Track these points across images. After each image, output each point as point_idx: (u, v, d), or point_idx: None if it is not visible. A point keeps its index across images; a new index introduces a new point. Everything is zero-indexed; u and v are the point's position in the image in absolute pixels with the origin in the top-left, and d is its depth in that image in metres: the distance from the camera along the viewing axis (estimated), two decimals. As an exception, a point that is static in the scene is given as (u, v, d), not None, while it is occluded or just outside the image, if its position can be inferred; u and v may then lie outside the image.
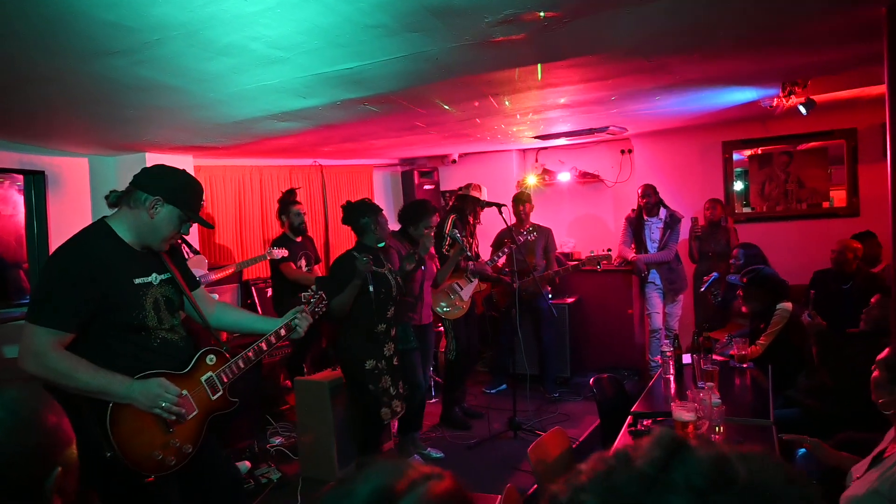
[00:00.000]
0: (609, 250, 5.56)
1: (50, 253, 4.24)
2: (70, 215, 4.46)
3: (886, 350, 2.09)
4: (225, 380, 2.20)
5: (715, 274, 4.61)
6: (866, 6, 2.49)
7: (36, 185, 4.29)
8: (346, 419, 3.92)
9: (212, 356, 2.20)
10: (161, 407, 1.97)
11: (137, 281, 2.05)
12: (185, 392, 2.07)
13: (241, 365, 2.25)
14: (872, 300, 3.27)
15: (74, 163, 4.55)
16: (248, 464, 3.97)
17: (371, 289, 3.41)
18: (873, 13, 2.52)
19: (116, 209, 2.11)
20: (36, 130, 3.86)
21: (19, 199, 4.26)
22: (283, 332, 2.36)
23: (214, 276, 4.47)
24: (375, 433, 3.65)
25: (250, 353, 2.27)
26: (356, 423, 3.74)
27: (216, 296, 4.01)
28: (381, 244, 3.77)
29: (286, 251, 4.72)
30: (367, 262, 3.40)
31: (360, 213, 3.65)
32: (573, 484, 0.53)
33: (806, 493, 0.50)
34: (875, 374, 2.10)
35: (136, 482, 1.97)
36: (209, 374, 2.16)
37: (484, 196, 4.92)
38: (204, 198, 2.28)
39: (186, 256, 3.96)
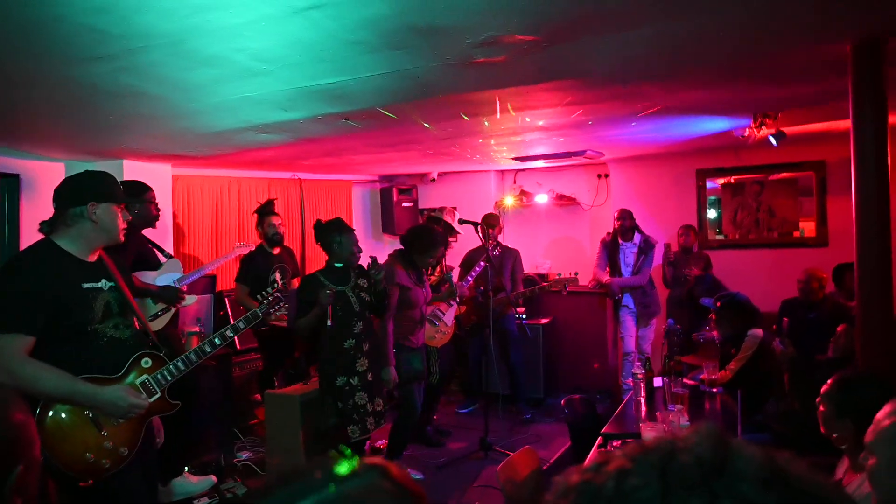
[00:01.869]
0: (576, 273, 5.62)
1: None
2: (43, 218, 4.39)
3: (827, 383, 2.06)
4: (162, 381, 2.23)
5: (671, 321, 4.73)
6: (832, 43, 2.60)
7: (9, 189, 4.23)
8: (315, 434, 3.88)
9: (147, 359, 2.24)
10: (129, 413, 2.06)
11: (86, 285, 2.14)
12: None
13: (182, 367, 2.28)
14: (839, 328, 3.36)
15: (50, 167, 4.50)
16: (213, 478, 3.90)
17: (328, 322, 3.42)
18: (839, 50, 2.63)
19: (55, 233, 2.19)
20: (13, 133, 3.82)
21: (-9, 202, 4.19)
22: (228, 332, 2.45)
23: (192, 279, 4.41)
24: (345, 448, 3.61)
25: (192, 356, 2.32)
26: (322, 438, 3.70)
27: (195, 297, 3.96)
28: (339, 265, 3.68)
29: (252, 246, 4.79)
30: (330, 295, 3.43)
31: (330, 233, 3.65)
32: (616, 469, 0.50)
33: (845, 496, 0.50)
34: (822, 408, 2.06)
35: (73, 486, 1.99)
36: (144, 377, 2.21)
37: (455, 221, 5.01)
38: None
39: (161, 261, 3.93)
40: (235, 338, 4.96)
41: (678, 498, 0.47)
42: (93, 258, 2.22)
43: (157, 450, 2.45)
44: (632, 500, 0.48)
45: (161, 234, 4.74)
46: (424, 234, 4.28)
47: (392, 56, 2.48)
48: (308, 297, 3.51)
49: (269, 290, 2.78)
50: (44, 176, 4.44)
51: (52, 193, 2.14)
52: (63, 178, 4.51)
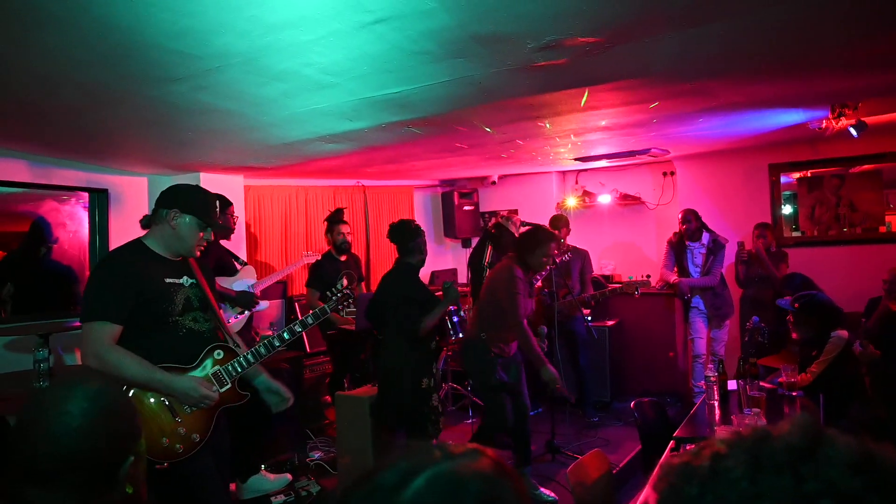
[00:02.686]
0: (648, 276, 5.49)
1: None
2: (130, 231, 4.64)
3: None
4: (233, 373, 2.35)
5: (755, 318, 4.50)
6: (916, 29, 2.46)
7: (100, 203, 4.54)
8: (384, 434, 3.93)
9: (219, 351, 2.36)
10: (201, 403, 2.21)
11: (168, 280, 2.30)
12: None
13: (251, 359, 2.40)
14: None
15: (135, 181, 4.80)
16: (289, 476, 4.05)
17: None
18: (924, 36, 2.48)
19: (149, 230, 2.38)
20: (101, 150, 4.11)
21: (84, 216, 4.51)
22: (276, 342, 2.51)
23: (264, 285, 4.62)
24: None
25: (261, 349, 2.43)
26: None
27: (266, 303, 4.14)
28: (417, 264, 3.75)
29: (318, 255, 4.98)
30: (456, 288, 3.56)
31: (411, 235, 3.68)
32: (711, 453, 0.55)
33: None
34: None
35: (150, 468, 2.09)
36: (216, 367, 2.33)
37: (517, 227, 4.99)
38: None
39: (237, 268, 4.15)
40: (306, 341, 5.15)
41: (766, 479, 0.51)
42: (177, 258, 2.39)
43: (232, 445, 2.57)
44: (723, 480, 0.52)
45: (236, 243, 4.97)
46: (528, 234, 4.05)
47: (454, 64, 2.52)
48: (421, 296, 3.55)
49: (337, 287, 2.87)
50: (129, 190, 4.74)
51: (136, 206, 2.38)
52: (147, 191, 4.85)
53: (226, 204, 4.07)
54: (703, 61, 2.75)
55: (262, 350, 2.42)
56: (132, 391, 2.12)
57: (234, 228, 4.19)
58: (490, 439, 4.00)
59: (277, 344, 2.48)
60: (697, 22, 2.21)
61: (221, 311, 2.55)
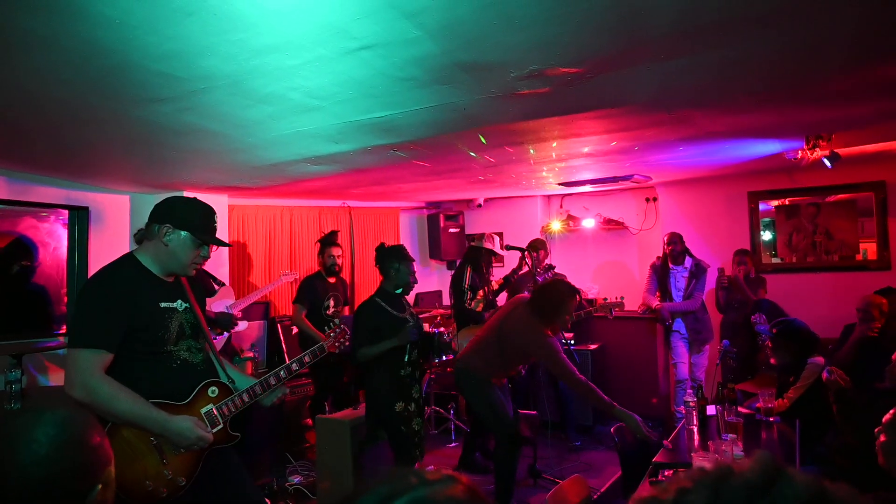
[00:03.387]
0: (622, 298, 5.54)
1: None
2: (110, 250, 4.64)
3: (892, 411, 2.00)
4: (226, 413, 2.20)
5: (725, 342, 4.58)
6: (882, 65, 2.55)
7: (80, 221, 4.49)
8: (364, 458, 3.92)
9: (214, 388, 2.21)
10: (195, 446, 2.05)
11: (163, 305, 2.15)
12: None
13: (246, 399, 2.25)
14: (894, 357, 3.21)
15: (116, 199, 4.76)
16: (267, 502, 3.97)
17: (406, 358, 3.53)
18: (890, 72, 2.57)
19: (139, 247, 2.24)
20: (83, 168, 4.08)
21: (63, 234, 4.46)
22: (257, 389, 2.33)
23: (243, 305, 4.60)
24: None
25: (256, 388, 2.29)
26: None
27: (245, 324, 4.10)
28: (398, 290, 3.75)
29: (297, 274, 4.99)
30: (411, 331, 3.50)
31: (391, 259, 3.69)
32: (677, 488, 0.58)
33: None
34: (882, 438, 1.98)
35: None
36: (209, 406, 2.18)
37: (497, 245, 5.04)
38: (216, 219, 2.31)
39: (214, 289, 4.12)
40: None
41: None
42: (170, 278, 2.23)
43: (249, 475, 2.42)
44: None
45: (217, 263, 4.94)
46: (548, 292, 3.89)
47: (439, 90, 2.56)
48: (370, 324, 3.54)
49: (336, 322, 2.74)
50: (110, 208, 4.71)
51: (117, 224, 2.26)
52: (128, 210, 4.82)
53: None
54: (683, 92, 2.82)
55: (259, 389, 2.29)
56: (118, 429, 1.98)
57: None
58: (509, 465, 3.94)
59: (273, 382, 2.36)
60: (676, 55, 2.27)
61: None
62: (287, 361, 5.15)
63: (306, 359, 2.59)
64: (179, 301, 2.21)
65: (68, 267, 4.43)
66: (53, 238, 4.45)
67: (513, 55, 2.19)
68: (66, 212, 4.47)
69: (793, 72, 2.57)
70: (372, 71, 2.31)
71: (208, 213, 2.26)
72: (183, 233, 2.16)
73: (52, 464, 1.02)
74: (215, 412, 2.18)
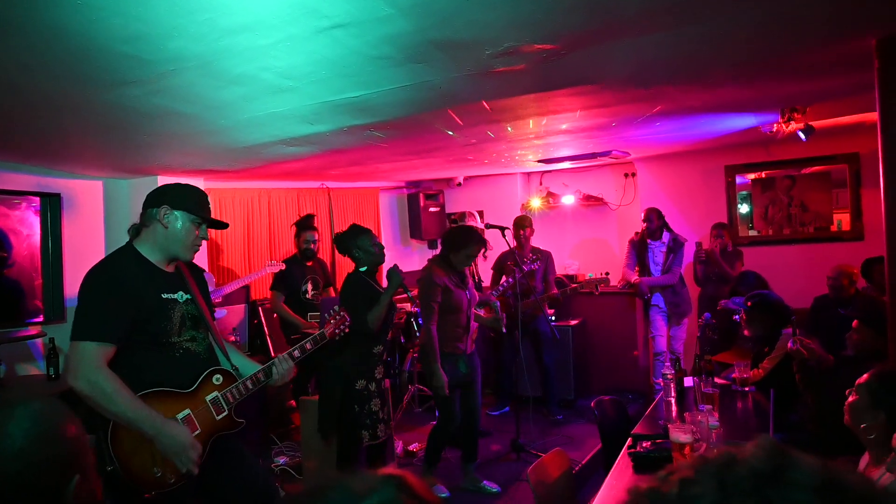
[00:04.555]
0: (607, 273, 5.62)
1: (66, 273, 4.35)
2: (84, 236, 4.57)
3: (866, 375, 2.08)
4: (231, 400, 2.21)
5: (707, 315, 4.65)
6: (856, 38, 2.57)
7: (52, 207, 4.41)
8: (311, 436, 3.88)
9: (218, 376, 2.22)
10: (182, 461, 2.01)
11: (165, 296, 2.14)
12: (187, 411, 2.12)
13: (250, 385, 2.26)
14: (854, 324, 3.30)
15: (89, 185, 4.68)
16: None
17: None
18: (864, 44, 2.59)
19: (137, 238, 2.21)
20: (54, 154, 3.99)
21: (35, 221, 4.37)
22: (261, 376, 2.32)
23: (224, 292, 4.58)
24: (353, 454, 3.55)
25: (259, 375, 2.29)
26: (340, 444, 3.69)
27: (224, 311, 4.09)
28: (363, 269, 3.67)
29: (283, 265, 4.93)
30: (399, 272, 3.50)
31: (350, 241, 3.62)
32: (679, 479, 0.55)
33: None
34: (852, 398, 2.06)
35: (136, 498, 2.00)
36: (214, 393, 2.19)
37: (479, 222, 5.04)
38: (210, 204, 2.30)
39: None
40: (270, 347, 5.11)
41: None
42: (170, 268, 2.23)
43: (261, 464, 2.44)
44: None
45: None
46: (456, 232, 4.19)
47: (414, 69, 2.53)
48: (366, 292, 3.50)
49: (335, 309, 2.70)
50: (83, 194, 4.62)
51: (90, 210, 2.22)
52: (102, 195, 4.74)
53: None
54: (658, 67, 2.82)
55: (262, 377, 2.29)
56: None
57: None
58: (442, 439, 4.04)
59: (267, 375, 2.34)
60: (650, 30, 2.27)
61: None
62: (269, 345, 5.16)
63: (308, 346, 2.55)
64: (181, 292, 2.21)
65: (42, 254, 4.36)
66: (25, 226, 4.36)
67: (487, 32, 2.18)
68: (38, 199, 4.38)
69: (767, 46, 2.59)
70: (345, 50, 2.28)
71: (202, 194, 2.28)
72: (180, 212, 2.16)
73: (27, 457, 1.01)
74: (220, 399, 2.20)
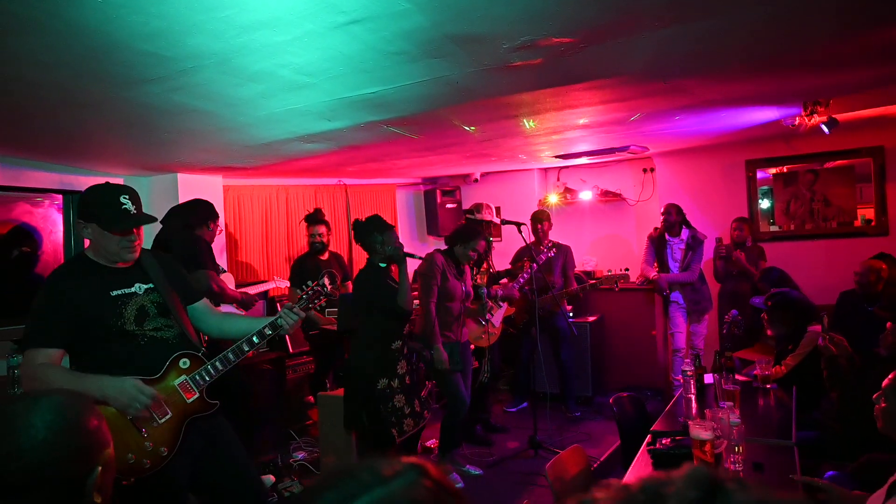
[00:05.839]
0: (627, 269, 5.57)
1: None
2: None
3: (891, 376, 2.01)
4: (201, 382, 2.23)
5: (734, 312, 4.58)
6: (880, 29, 2.51)
7: (74, 205, 4.47)
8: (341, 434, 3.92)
9: (185, 360, 2.24)
10: (136, 408, 2.04)
11: (115, 293, 2.18)
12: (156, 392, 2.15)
13: (220, 367, 2.26)
14: (888, 325, 3.23)
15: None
16: (272, 478, 4.04)
17: (386, 300, 3.49)
18: (888, 36, 2.53)
19: None
20: (76, 152, 4.05)
21: (58, 218, 4.44)
22: (267, 331, 2.34)
23: (252, 291, 4.62)
24: (384, 453, 3.59)
25: (230, 355, 2.28)
26: (363, 440, 3.73)
27: (230, 308, 4.14)
28: (384, 264, 3.69)
29: (288, 283, 4.97)
30: (398, 247, 3.55)
31: (372, 231, 3.63)
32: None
33: None
34: (883, 404, 2.00)
35: (116, 485, 2.04)
36: (182, 377, 2.22)
37: (494, 215, 5.06)
38: (217, 221, 2.31)
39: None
40: (288, 342, 5.14)
41: None
42: (126, 264, 2.24)
43: (246, 446, 2.46)
44: None
45: (215, 245, 4.93)
46: (462, 227, 4.39)
47: (430, 64, 2.53)
48: (385, 282, 3.56)
49: (309, 283, 2.62)
50: (106, 191, 4.68)
51: None
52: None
53: (213, 216, 4.05)
54: (678, 61, 2.79)
55: (231, 356, 2.28)
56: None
57: (213, 240, 4.13)
58: (455, 426, 4.07)
59: (247, 348, 2.31)
60: (668, 23, 2.24)
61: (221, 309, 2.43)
62: (287, 341, 5.19)
63: (279, 322, 2.41)
64: (138, 284, 2.24)
65: (65, 251, 4.43)
66: (49, 223, 4.43)
67: (503, 26, 2.16)
68: (61, 196, 4.45)
69: (784, 38, 2.54)
70: (362, 46, 2.28)
71: (112, 197, 2.18)
72: (94, 225, 2.16)
73: (50, 448, 1.03)
74: (188, 383, 2.22)
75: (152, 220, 2.29)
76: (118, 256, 2.20)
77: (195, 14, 1.92)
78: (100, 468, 1.08)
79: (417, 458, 0.64)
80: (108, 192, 2.19)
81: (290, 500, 3.87)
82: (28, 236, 4.25)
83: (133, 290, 2.22)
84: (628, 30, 2.29)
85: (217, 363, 2.26)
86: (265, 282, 5.08)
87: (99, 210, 2.15)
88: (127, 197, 2.19)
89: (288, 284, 4.99)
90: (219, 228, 4.19)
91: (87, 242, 2.27)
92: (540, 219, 5.50)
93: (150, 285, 2.26)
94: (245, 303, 4.05)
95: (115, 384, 2.04)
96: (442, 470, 0.64)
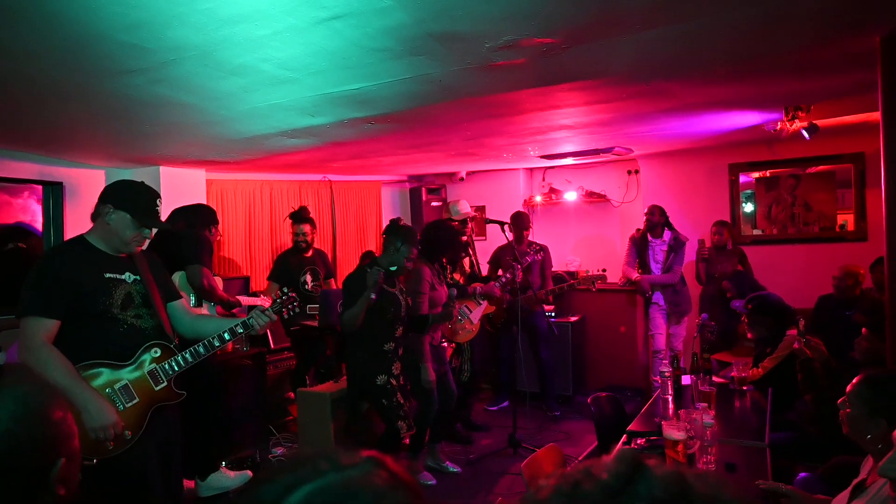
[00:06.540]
0: (604, 270, 5.59)
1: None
2: (85, 224, 4.55)
3: (852, 383, 2.01)
4: (170, 371, 2.33)
5: (704, 315, 4.64)
6: (860, 36, 2.55)
7: (54, 196, 4.43)
8: (345, 431, 3.96)
9: (157, 349, 2.34)
10: (100, 437, 2.11)
11: (108, 275, 2.28)
12: (124, 381, 2.24)
13: (189, 358, 2.37)
14: (863, 331, 3.28)
15: (91, 174, 4.69)
16: (249, 473, 4.02)
17: (377, 303, 3.47)
18: (867, 43, 2.57)
19: (90, 229, 2.35)
20: (57, 143, 4.00)
21: (38, 209, 4.39)
22: (238, 329, 2.45)
23: (244, 301, 4.56)
24: (393, 447, 3.60)
25: (200, 348, 2.39)
26: (381, 439, 3.73)
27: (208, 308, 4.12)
28: (394, 268, 3.70)
29: (269, 300, 4.80)
30: (378, 273, 3.47)
31: (399, 237, 3.65)
32: (534, 499, 0.55)
33: None
34: (848, 409, 2.01)
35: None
36: (153, 365, 2.32)
37: (467, 210, 5.07)
38: (159, 203, 2.39)
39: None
40: (270, 338, 5.11)
41: None
42: (121, 255, 2.35)
43: (187, 443, 2.54)
44: None
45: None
46: (443, 234, 4.30)
47: (413, 62, 2.53)
48: (356, 290, 3.51)
49: (285, 289, 2.74)
50: (86, 183, 4.64)
51: (92, 200, 2.31)
52: (104, 184, 4.74)
53: (215, 222, 4.07)
54: (659, 63, 2.81)
55: (201, 349, 2.39)
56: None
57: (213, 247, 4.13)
58: (424, 423, 4.05)
59: (217, 343, 2.41)
60: (649, 26, 2.26)
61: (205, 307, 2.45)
62: (269, 336, 5.15)
63: (250, 322, 2.49)
64: (128, 273, 2.35)
65: (44, 242, 4.38)
66: (28, 214, 4.38)
67: (486, 25, 2.17)
68: (41, 187, 4.40)
69: (765, 42, 2.57)
70: (344, 42, 2.27)
71: (150, 196, 2.37)
72: (124, 213, 2.28)
73: (12, 438, 1.02)
74: (158, 371, 2.32)
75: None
76: (127, 247, 2.34)
77: (175, 6, 1.91)
78: (63, 460, 1.08)
79: (374, 451, 0.64)
80: (148, 192, 2.38)
81: (247, 483, 3.85)
82: (24, 234, 4.27)
83: (123, 277, 2.32)
84: (610, 31, 2.30)
85: (187, 355, 2.38)
86: (259, 296, 5.02)
87: (136, 203, 2.31)
88: (160, 201, 2.41)
89: (269, 303, 4.92)
90: (218, 234, 4.22)
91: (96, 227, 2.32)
92: (526, 225, 5.51)
93: (138, 277, 2.37)
94: (229, 304, 4.02)
95: (100, 406, 2.12)
96: (404, 466, 0.65)
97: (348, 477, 0.59)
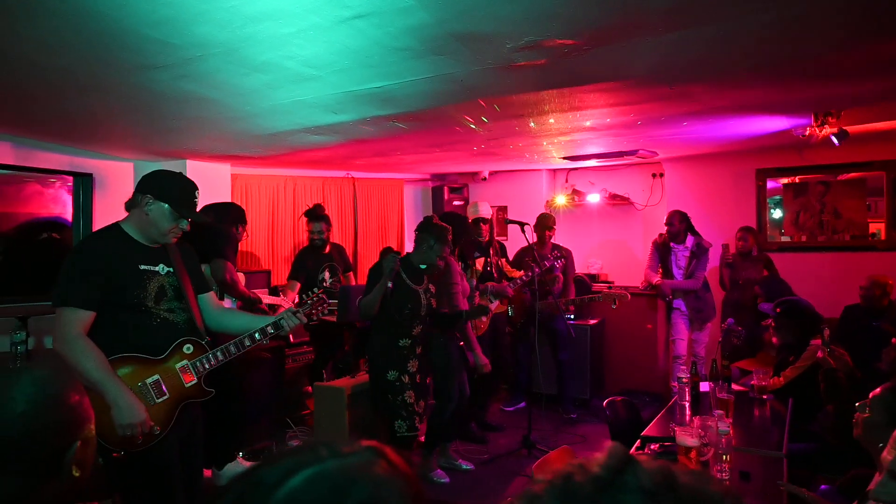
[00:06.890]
0: (627, 289, 5.53)
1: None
2: (114, 216, 4.62)
3: (880, 388, 1.99)
4: (201, 369, 2.32)
5: (731, 321, 4.56)
6: (884, 42, 2.49)
7: (84, 187, 4.53)
8: (360, 425, 3.99)
9: (189, 346, 2.33)
10: (126, 434, 2.11)
11: (143, 267, 2.28)
12: (156, 377, 2.23)
13: (220, 357, 2.36)
14: (893, 340, 3.20)
15: (120, 167, 4.79)
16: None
17: (394, 296, 3.47)
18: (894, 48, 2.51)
19: (126, 218, 2.35)
20: (87, 135, 4.10)
21: (68, 200, 4.50)
22: (270, 329, 2.45)
23: (266, 299, 4.60)
24: (405, 443, 3.62)
25: (231, 347, 2.39)
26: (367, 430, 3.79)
27: (229, 302, 4.18)
28: (424, 266, 3.74)
29: (289, 303, 4.71)
30: (395, 260, 3.48)
31: (432, 235, 3.66)
32: (529, 494, 0.57)
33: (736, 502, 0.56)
34: (867, 413, 1.98)
35: (107, 456, 2.12)
36: (184, 361, 2.30)
37: (481, 210, 5.05)
38: (198, 195, 2.41)
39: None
40: (290, 335, 5.17)
41: None
42: (154, 245, 2.34)
43: (206, 434, 2.56)
44: None
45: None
46: (457, 220, 4.30)
47: (435, 61, 2.54)
48: (375, 279, 3.54)
49: (315, 290, 2.76)
50: (114, 175, 4.74)
51: (121, 191, 2.37)
52: (132, 177, 4.85)
53: (243, 221, 4.13)
54: (683, 66, 2.77)
55: (233, 348, 2.38)
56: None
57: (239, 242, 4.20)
58: (441, 422, 4.07)
59: (248, 343, 2.41)
60: (672, 28, 2.23)
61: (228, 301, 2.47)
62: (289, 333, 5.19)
63: (281, 323, 2.50)
64: (162, 265, 2.34)
65: (73, 233, 4.49)
66: (59, 205, 4.50)
67: (507, 26, 2.17)
68: (71, 178, 4.51)
69: (791, 46, 2.53)
70: (367, 40, 2.29)
71: (189, 188, 2.37)
72: (163, 204, 2.27)
73: (28, 421, 1.06)
74: (189, 367, 2.30)
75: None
76: (164, 237, 2.33)
77: (201, 3, 1.94)
78: (79, 443, 1.11)
79: (375, 441, 0.66)
80: (189, 184, 2.38)
81: (252, 466, 3.88)
82: (59, 227, 4.40)
83: (157, 269, 2.32)
84: (631, 33, 2.28)
85: (218, 352, 2.36)
86: (279, 295, 5.08)
87: (177, 194, 2.31)
88: (198, 193, 2.42)
89: (289, 304, 4.97)
90: (245, 233, 4.27)
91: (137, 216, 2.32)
92: (548, 225, 5.48)
93: (171, 269, 2.37)
94: (250, 301, 4.06)
95: (131, 402, 2.10)
96: (405, 458, 0.66)
97: (348, 464, 0.61)
